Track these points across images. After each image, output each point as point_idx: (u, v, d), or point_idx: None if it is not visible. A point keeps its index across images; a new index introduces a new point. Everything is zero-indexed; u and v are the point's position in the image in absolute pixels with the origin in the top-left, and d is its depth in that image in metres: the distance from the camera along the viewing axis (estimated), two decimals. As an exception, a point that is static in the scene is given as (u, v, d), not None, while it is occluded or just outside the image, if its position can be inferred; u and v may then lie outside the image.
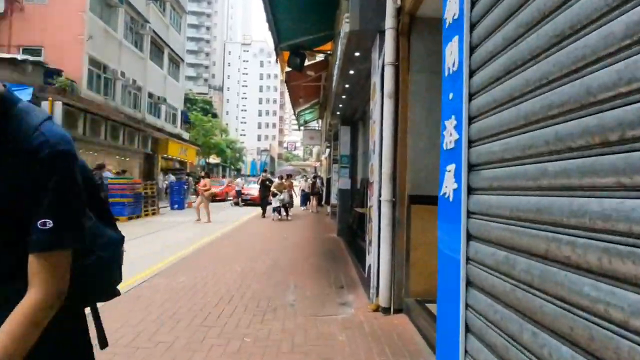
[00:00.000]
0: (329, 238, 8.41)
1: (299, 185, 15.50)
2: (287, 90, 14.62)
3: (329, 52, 10.22)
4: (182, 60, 24.27)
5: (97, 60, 14.79)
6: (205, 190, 11.50)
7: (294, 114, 17.78)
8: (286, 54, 9.34)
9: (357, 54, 4.65)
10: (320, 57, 13.17)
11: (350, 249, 6.65)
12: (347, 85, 6.03)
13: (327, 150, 15.38)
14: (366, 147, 8.02)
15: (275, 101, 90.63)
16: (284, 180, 12.94)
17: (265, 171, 15.36)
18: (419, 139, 3.75)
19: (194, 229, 9.98)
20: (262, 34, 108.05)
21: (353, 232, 7.89)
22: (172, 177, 16.35)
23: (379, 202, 3.83)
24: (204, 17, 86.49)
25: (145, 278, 4.77)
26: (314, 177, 17.27)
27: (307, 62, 12.45)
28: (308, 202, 16.17)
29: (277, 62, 9.57)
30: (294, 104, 15.79)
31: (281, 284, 4.63)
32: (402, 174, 3.77)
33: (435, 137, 3.74)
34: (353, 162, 8.71)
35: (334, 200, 12.50)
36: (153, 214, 13.46)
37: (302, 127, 18.55)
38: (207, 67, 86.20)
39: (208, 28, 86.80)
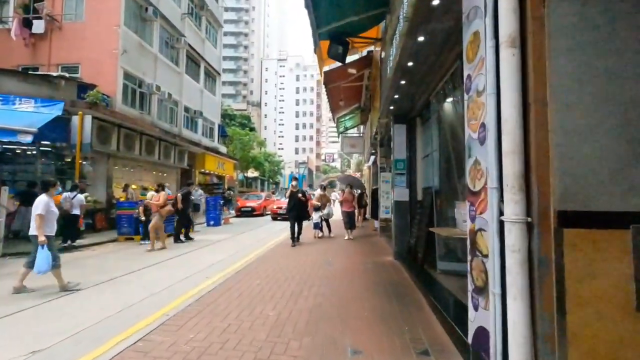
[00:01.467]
0: (385, 263, 6.79)
1: (339, 197, 13.75)
2: (325, 95, 13.34)
3: (374, 40, 8.77)
4: (219, 73, 24.05)
5: (132, 74, 14.51)
6: (161, 207, 8.97)
7: (333, 120, 16.45)
8: (325, 45, 8.04)
9: (435, 1, 3.14)
10: (363, 53, 11.79)
11: (420, 281, 5.00)
12: (410, 64, 4.50)
13: (372, 157, 13.78)
14: (428, 148, 6.39)
15: (312, 114, 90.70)
16: (326, 192, 11.51)
17: (295, 179, 12.21)
18: (570, 114, 2.14)
19: (222, 249, 8.81)
20: (297, 49, 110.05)
21: (417, 255, 6.22)
22: (200, 191, 15.45)
23: (500, 223, 2.24)
24: (241, 37, 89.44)
25: (144, 332, 3.48)
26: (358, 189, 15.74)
27: (348, 59, 11.11)
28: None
29: (314, 52, 8.27)
30: (333, 109, 14.47)
31: (331, 346, 3.12)
32: (540, 175, 2.16)
33: (605, 108, 2.13)
34: (410, 168, 7.08)
35: (383, 213, 10.85)
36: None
37: (341, 135, 17.13)
38: (245, 85, 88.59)
39: (246, 47, 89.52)
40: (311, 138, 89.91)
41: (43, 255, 4.59)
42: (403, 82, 5.19)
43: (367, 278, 5.59)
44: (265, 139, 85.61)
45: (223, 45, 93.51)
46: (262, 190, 36.73)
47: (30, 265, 4.72)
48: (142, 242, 10.00)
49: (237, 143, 29.76)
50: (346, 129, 16.72)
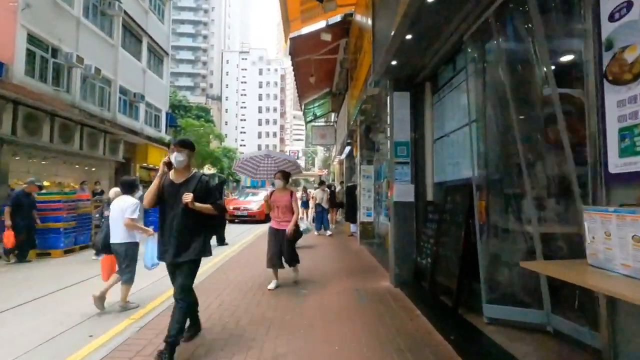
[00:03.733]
0: (383, 293, 4.61)
1: (312, 198, 11.55)
2: (290, 91, 11.00)
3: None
4: (167, 53, 20.80)
5: (41, 38, 11.24)
6: None
7: (300, 108, 14.13)
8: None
9: None
10: (337, 18, 9.56)
11: (459, 340, 2.86)
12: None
13: (347, 148, 11.63)
14: (448, 124, 4.31)
15: (275, 109, 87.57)
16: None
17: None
18: None
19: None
20: (260, 42, 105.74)
21: (434, 284, 4.09)
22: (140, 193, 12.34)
23: None
24: (200, 26, 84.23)
25: None
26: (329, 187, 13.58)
27: (322, 23, 8.84)
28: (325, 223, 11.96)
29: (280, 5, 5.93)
30: (301, 90, 12.17)
31: None
32: None
33: None
34: (417, 155, 4.96)
35: (364, 216, 8.73)
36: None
37: (310, 124, 14.83)
38: (204, 77, 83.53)
39: (205, 37, 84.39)
40: (275, 135, 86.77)
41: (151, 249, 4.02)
42: (409, 36, 3.01)
43: (365, 330, 3.35)
44: (226, 134, 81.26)
45: (180, 34, 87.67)
46: (221, 188, 33.59)
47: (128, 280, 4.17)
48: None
49: (190, 136, 26.40)
50: (315, 117, 14.47)
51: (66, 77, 12.31)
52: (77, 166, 13.68)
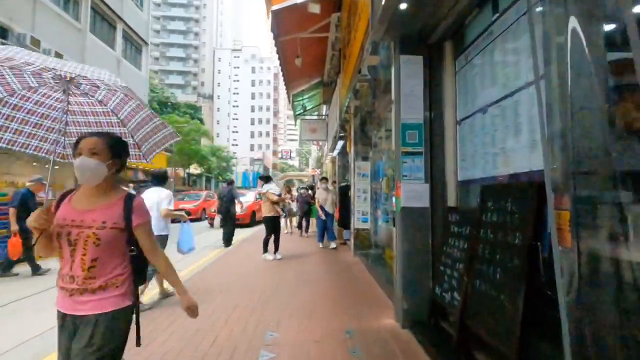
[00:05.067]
0: (387, 337, 3.24)
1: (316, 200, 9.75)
2: (283, 90, 9.58)
3: None
4: (146, 43, 19.25)
5: (-14, 15, 9.72)
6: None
7: (288, 99, 12.70)
8: None
9: None
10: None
11: None
12: None
13: (340, 143, 10.23)
14: (485, 95, 2.92)
15: (268, 108, 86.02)
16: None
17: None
18: None
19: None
20: (253, 40, 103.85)
21: (463, 328, 2.70)
22: None
23: None
24: (191, 23, 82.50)
25: None
26: (309, 188, 12.17)
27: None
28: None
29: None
30: (288, 78, 10.74)
31: None
32: None
33: None
34: (433, 143, 3.57)
35: (359, 221, 7.33)
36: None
37: (299, 118, 13.41)
38: (195, 75, 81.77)
39: (196, 34, 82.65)
40: (268, 134, 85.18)
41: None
42: None
43: None
44: (217, 133, 79.47)
45: (170, 30, 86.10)
46: (208, 188, 31.94)
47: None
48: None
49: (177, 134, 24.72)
50: (305, 110, 13.06)
51: (19, 62, 10.73)
52: (34, 163, 12.10)
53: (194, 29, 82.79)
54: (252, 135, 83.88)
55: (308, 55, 9.81)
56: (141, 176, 18.91)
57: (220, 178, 39.26)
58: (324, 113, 13.98)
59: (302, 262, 6.90)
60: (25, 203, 6.02)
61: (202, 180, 33.14)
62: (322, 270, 6.11)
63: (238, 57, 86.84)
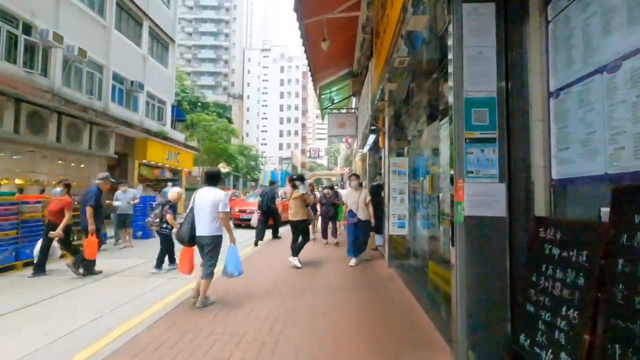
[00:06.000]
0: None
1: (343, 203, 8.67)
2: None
3: None
4: (172, 40, 19.04)
5: (7, 10, 9.54)
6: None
7: (315, 93, 11.80)
8: None
9: None
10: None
11: None
12: None
13: (371, 138, 9.16)
14: (607, 49, 1.76)
15: (297, 107, 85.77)
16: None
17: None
18: None
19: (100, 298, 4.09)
20: (282, 39, 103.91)
21: None
22: (133, 192, 10.04)
23: None
24: (222, 24, 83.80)
25: None
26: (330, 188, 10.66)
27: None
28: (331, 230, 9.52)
29: None
30: (315, 67, 9.81)
31: None
32: None
33: None
34: (511, 126, 2.51)
35: (394, 227, 6.26)
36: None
37: (327, 113, 12.45)
38: (226, 75, 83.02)
39: (227, 35, 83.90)
40: (296, 133, 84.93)
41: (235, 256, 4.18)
42: None
43: None
44: (247, 133, 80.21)
45: (202, 32, 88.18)
46: (236, 187, 31.76)
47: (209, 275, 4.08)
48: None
49: (202, 132, 24.61)
50: (333, 102, 12.09)
51: (41, 58, 10.56)
52: (60, 162, 11.99)
53: (225, 30, 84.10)
54: (281, 134, 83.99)
55: (336, 41, 8.84)
56: (168, 174, 18.76)
57: (249, 177, 39.15)
58: (353, 106, 12.97)
59: (323, 274, 5.95)
60: (99, 201, 5.98)
61: (230, 179, 33.09)
62: (350, 288, 5.12)
63: (267, 56, 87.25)
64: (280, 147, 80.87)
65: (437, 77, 4.20)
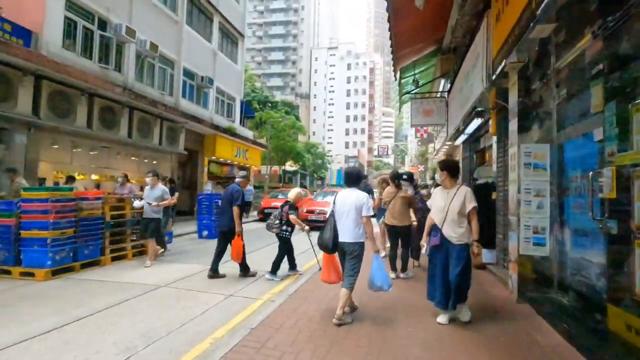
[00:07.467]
0: None
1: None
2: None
3: None
4: (242, 35, 18.75)
5: (84, 6, 9.54)
6: None
7: (394, 75, 10.07)
8: None
9: None
10: None
11: None
12: None
13: (475, 122, 7.14)
14: None
15: (364, 105, 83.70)
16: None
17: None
18: None
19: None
20: (349, 36, 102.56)
21: None
22: (162, 187, 7.57)
23: None
24: (290, 26, 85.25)
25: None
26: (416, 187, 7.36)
27: None
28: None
29: None
30: (398, 43, 8.10)
31: None
32: None
33: None
34: None
35: (528, 245, 4.34)
36: (140, 253, 7.20)
37: (409, 98, 10.62)
38: (293, 76, 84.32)
39: (295, 36, 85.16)
40: (363, 131, 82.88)
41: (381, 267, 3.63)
42: None
43: None
44: (314, 132, 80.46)
45: (271, 35, 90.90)
46: (304, 186, 31.18)
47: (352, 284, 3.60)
48: None
49: (270, 129, 24.25)
50: (417, 86, 10.22)
51: (114, 53, 10.52)
52: (133, 158, 12.04)
53: (293, 32, 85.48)
54: (347, 133, 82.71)
55: (426, 8, 7.04)
56: (236, 172, 18.52)
57: (315, 175, 38.50)
58: (440, 89, 10.96)
59: (403, 315, 4.23)
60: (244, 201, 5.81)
61: (297, 177, 32.70)
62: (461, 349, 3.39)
63: (334, 54, 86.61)
64: (347, 145, 79.60)
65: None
